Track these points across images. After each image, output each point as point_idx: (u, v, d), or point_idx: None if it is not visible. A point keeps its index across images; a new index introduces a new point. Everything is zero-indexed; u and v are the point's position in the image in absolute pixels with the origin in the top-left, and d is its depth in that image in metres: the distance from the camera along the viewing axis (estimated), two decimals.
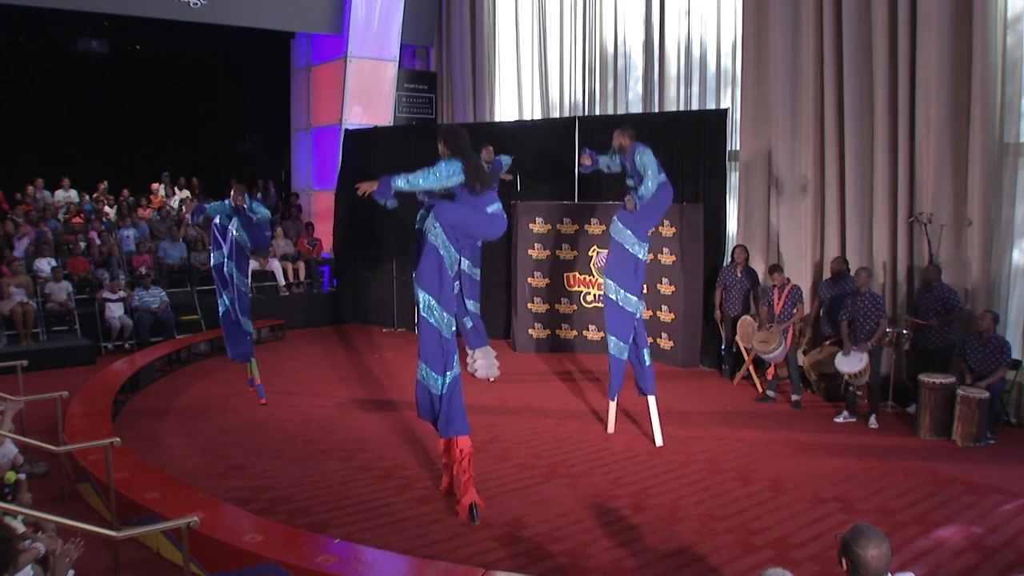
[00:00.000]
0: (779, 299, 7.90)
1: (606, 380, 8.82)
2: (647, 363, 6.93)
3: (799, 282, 8.72)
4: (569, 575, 4.50)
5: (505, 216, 5.46)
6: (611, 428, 7.10)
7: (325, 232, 13.43)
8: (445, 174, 5.12)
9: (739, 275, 8.68)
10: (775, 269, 8.10)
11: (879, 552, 2.50)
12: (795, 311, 7.81)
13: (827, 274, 8.34)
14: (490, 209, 5.34)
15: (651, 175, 6.56)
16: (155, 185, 14.40)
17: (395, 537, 4.92)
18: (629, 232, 6.72)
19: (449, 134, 5.30)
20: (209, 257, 12.22)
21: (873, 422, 7.23)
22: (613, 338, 6.86)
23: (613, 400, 7.08)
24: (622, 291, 6.75)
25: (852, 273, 7.82)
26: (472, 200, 5.26)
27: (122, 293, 10.67)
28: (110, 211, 13.23)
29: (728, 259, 9.18)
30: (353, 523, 5.15)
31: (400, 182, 5.06)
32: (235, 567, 4.33)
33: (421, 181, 5.09)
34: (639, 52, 11.03)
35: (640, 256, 6.76)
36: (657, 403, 6.85)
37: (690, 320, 9.40)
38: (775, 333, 7.82)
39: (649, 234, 6.94)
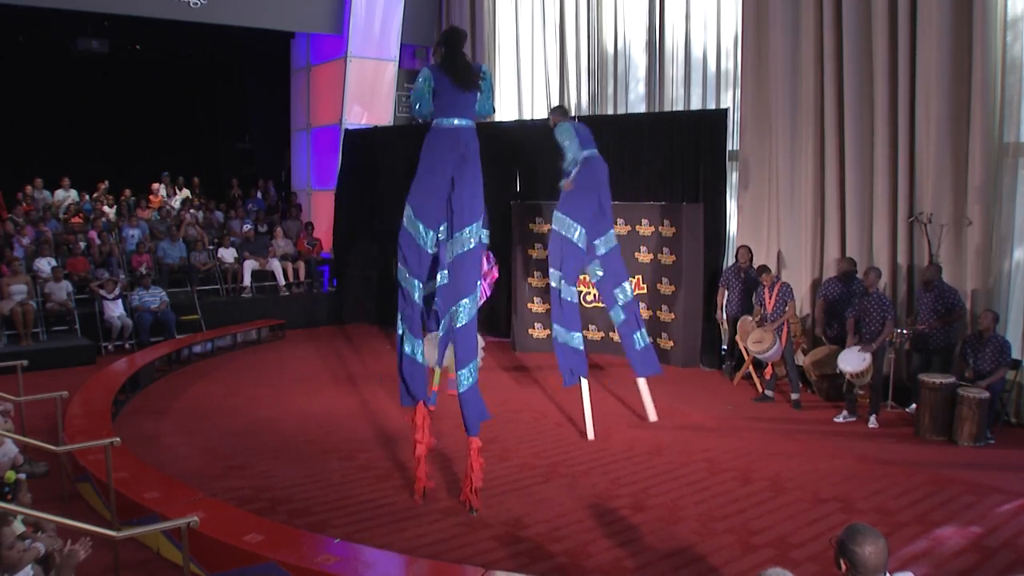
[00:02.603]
0: (770, 298, 7.91)
1: (606, 380, 8.87)
2: (640, 346, 7.17)
3: (800, 282, 8.74)
4: (569, 575, 4.50)
5: (468, 133, 5.38)
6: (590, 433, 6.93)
7: (325, 232, 13.44)
8: (419, 80, 5.35)
9: (742, 276, 8.67)
10: (763, 270, 8.10)
11: (876, 548, 2.50)
12: (786, 308, 7.82)
13: (829, 273, 8.34)
14: (457, 121, 5.32)
15: (568, 147, 6.85)
16: (155, 185, 14.40)
17: (395, 537, 4.92)
18: (561, 215, 6.90)
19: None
20: (210, 255, 12.34)
21: (873, 422, 7.23)
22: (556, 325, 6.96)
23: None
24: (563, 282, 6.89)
25: (860, 274, 7.87)
26: (453, 93, 5.29)
27: (117, 291, 10.66)
28: (109, 211, 13.23)
29: (731, 259, 9.19)
30: (353, 523, 5.15)
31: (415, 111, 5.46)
32: (235, 567, 4.33)
33: (417, 104, 5.38)
34: (639, 52, 11.02)
35: (573, 238, 6.84)
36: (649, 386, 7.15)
37: (690, 320, 9.40)
38: (769, 332, 7.82)
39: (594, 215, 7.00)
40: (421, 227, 5.33)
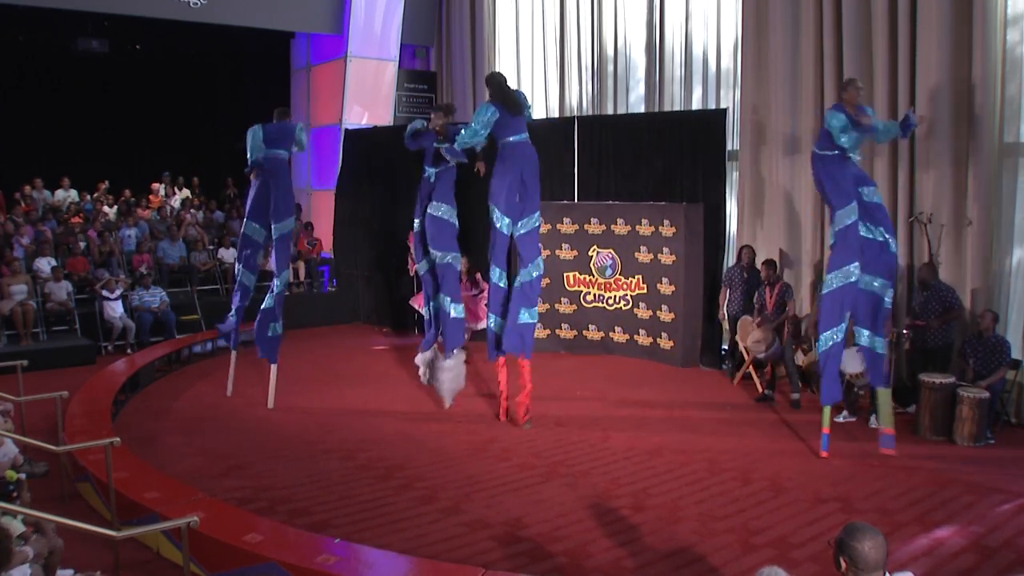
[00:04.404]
0: (771, 297, 7.92)
1: (606, 380, 8.87)
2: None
3: (800, 282, 8.74)
4: (569, 575, 4.50)
5: (531, 149, 7.03)
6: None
7: (325, 232, 13.43)
8: (479, 115, 6.80)
9: (745, 276, 8.67)
10: (768, 264, 8.11)
11: (875, 543, 2.50)
12: (786, 308, 7.82)
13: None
14: (512, 138, 6.90)
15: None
16: (155, 185, 14.41)
17: (395, 537, 4.92)
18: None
19: (486, 82, 7.08)
20: (210, 255, 12.35)
21: (873, 422, 7.21)
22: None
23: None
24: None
25: None
26: (508, 118, 6.85)
27: (119, 290, 10.64)
28: (109, 211, 13.24)
29: (732, 259, 9.18)
30: (353, 523, 5.15)
31: (457, 145, 6.99)
32: (235, 567, 4.33)
33: (466, 134, 6.84)
34: (639, 52, 11.02)
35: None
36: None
37: (690, 320, 9.39)
38: (767, 331, 7.82)
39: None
40: (507, 220, 6.99)
